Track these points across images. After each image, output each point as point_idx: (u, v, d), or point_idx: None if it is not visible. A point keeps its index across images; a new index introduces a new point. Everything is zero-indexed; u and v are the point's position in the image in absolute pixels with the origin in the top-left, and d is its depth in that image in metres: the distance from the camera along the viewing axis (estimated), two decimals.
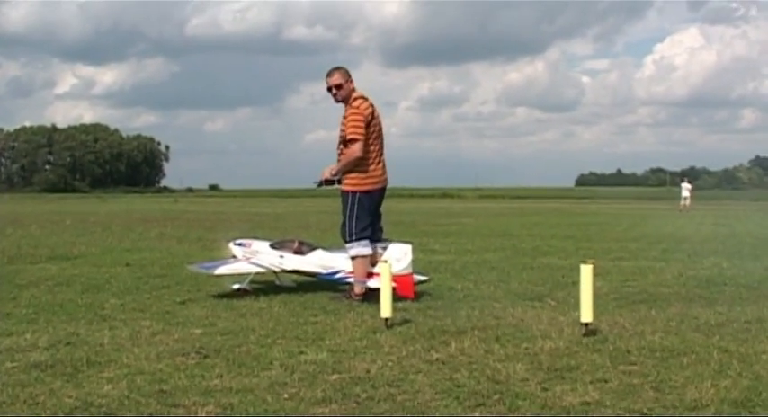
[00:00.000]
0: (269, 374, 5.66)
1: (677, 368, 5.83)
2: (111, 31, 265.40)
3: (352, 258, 9.46)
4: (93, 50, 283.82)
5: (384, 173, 9.79)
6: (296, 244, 10.26)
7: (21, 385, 5.34)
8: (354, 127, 9.42)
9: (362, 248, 9.42)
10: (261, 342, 6.74)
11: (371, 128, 9.55)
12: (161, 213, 39.60)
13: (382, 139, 9.80)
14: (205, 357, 6.19)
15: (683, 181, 57.30)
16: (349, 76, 9.75)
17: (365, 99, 9.63)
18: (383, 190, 9.87)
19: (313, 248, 10.21)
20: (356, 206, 9.53)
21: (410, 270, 9.02)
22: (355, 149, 9.42)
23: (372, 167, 9.60)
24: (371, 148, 9.58)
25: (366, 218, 9.52)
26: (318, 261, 9.94)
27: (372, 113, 9.57)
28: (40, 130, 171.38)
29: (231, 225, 24.70)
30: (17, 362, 6.00)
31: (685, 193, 52.84)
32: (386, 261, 7.81)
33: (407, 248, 9.15)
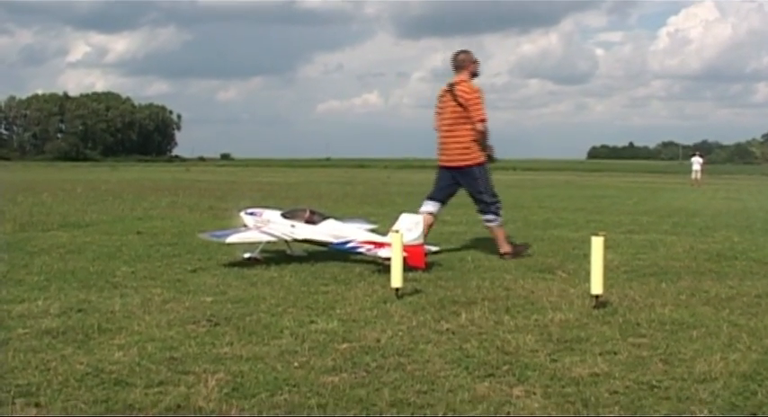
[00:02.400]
0: (279, 342, 5.68)
1: (686, 340, 5.84)
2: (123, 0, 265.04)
3: (497, 225, 10.75)
4: (106, 18, 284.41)
5: None
6: (307, 214, 10.26)
7: (32, 351, 5.37)
8: (482, 108, 10.54)
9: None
10: (271, 311, 6.76)
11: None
12: (172, 182, 39.63)
13: (442, 122, 10.85)
14: (215, 325, 6.22)
15: (693, 155, 57.11)
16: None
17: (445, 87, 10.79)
18: None
19: (324, 218, 10.20)
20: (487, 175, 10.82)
21: (421, 241, 9.01)
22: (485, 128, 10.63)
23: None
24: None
25: None
26: (330, 231, 9.94)
27: (438, 98, 10.83)
28: (52, 98, 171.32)
29: (242, 194, 24.69)
30: (29, 329, 6.03)
31: (696, 167, 52.60)
32: (397, 231, 7.80)
33: (418, 218, 9.15)
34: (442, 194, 11.12)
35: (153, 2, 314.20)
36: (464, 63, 10.82)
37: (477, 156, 10.72)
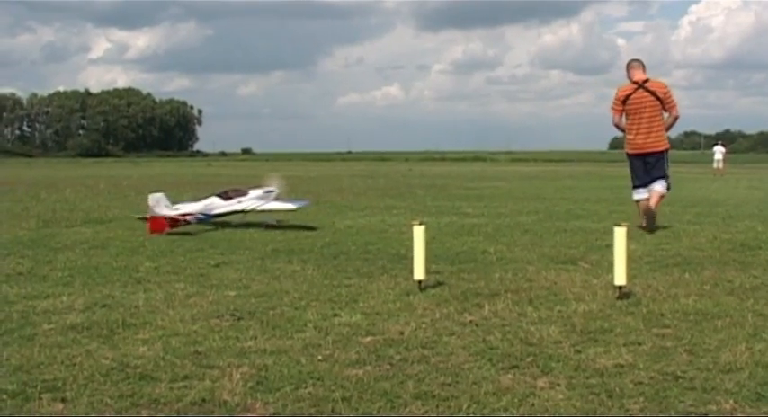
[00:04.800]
0: (303, 336, 5.69)
1: (711, 331, 5.81)
2: None
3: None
4: (127, 15, 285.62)
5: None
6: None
7: (58, 346, 5.41)
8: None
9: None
10: (295, 305, 6.77)
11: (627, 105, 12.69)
12: (194, 177, 39.80)
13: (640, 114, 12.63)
14: (239, 319, 6.23)
15: (716, 144, 56.82)
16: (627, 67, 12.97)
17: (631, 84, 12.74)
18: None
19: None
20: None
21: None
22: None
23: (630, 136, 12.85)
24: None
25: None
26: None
27: (627, 95, 12.63)
28: (74, 95, 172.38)
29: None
30: (54, 324, 6.07)
31: (718, 156, 52.36)
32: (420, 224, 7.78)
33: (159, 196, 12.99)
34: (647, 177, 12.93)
35: None
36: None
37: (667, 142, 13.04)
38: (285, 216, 13.75)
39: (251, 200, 13.75)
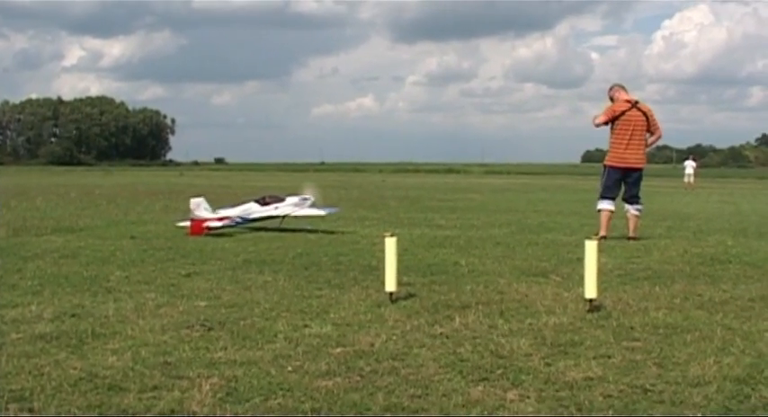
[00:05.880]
0: (273, 347, 5.68)
1: (680, 344, 5.84)
2: (118, 4, 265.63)
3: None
4: (101, 23, 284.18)
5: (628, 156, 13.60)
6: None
7: (26, 356, 5.36)
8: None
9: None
10: (265, 315, 6.76)
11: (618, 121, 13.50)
12: (166, 186, 39.62)
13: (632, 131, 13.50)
14: (209, 329, 6.21)
15: (687, 158, 57.22)
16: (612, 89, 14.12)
17: (625, 101, 13.70)
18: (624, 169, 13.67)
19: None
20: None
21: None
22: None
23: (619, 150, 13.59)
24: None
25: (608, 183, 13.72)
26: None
27: (623, 112, 13.49)
28: (46, 103, 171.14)
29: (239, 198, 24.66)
30: (22, 333, 6.02)
31: (689, 170, 52.67)
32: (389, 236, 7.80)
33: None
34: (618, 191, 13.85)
35: (148, 6, 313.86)
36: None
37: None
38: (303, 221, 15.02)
39: (287, 207, 14.91)
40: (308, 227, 14.61)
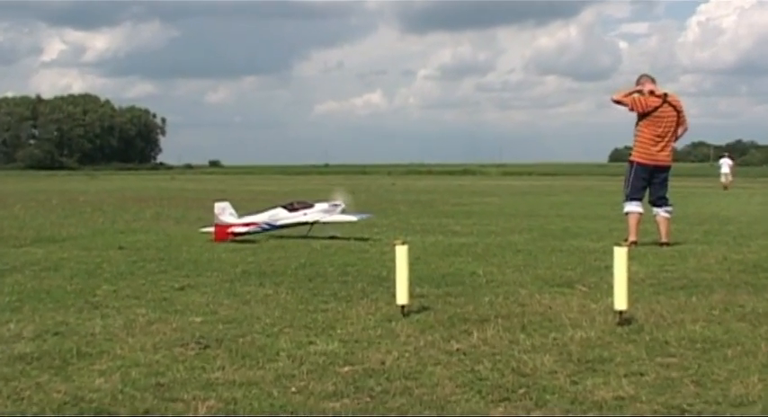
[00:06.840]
0: (275, 366, 5.68)
1: (720, 360, 5.83)
2: None
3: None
4: (84, 14, 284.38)
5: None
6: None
7: (4, 379, 5.37)
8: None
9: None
10: (266, 332, 6.76)
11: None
12: (157, 191, 39.71)
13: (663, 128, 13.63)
14: (206, 347, 6.22)
15: (722, 156, 57.03)
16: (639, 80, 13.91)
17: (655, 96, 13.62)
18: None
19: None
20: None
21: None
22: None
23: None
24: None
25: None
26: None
27: (655, 108, 13.51)
28: (24, 102, 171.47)
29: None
30: (0, 354, 6.04)
31: (725, 169, 52.37)
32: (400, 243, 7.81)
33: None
34: (643, 192, 14.01)
35: None
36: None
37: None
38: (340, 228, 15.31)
39: (317, 213, 15.26)
40: (337, 234, 14.81)
